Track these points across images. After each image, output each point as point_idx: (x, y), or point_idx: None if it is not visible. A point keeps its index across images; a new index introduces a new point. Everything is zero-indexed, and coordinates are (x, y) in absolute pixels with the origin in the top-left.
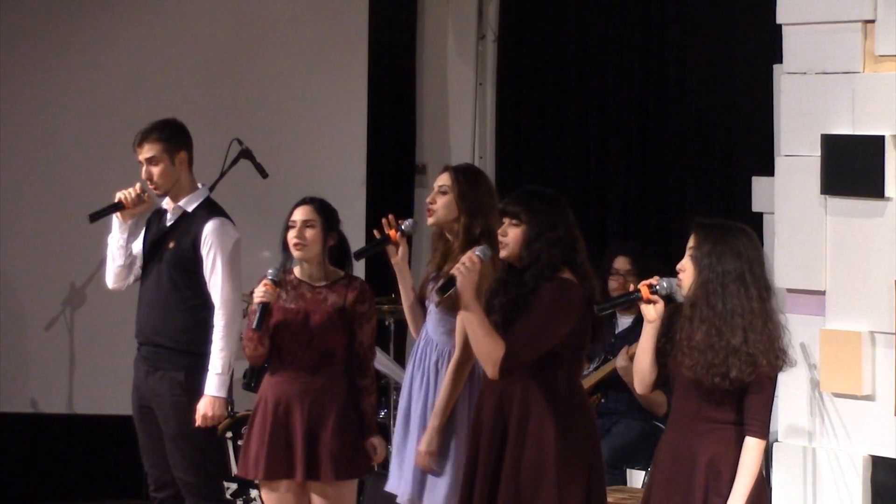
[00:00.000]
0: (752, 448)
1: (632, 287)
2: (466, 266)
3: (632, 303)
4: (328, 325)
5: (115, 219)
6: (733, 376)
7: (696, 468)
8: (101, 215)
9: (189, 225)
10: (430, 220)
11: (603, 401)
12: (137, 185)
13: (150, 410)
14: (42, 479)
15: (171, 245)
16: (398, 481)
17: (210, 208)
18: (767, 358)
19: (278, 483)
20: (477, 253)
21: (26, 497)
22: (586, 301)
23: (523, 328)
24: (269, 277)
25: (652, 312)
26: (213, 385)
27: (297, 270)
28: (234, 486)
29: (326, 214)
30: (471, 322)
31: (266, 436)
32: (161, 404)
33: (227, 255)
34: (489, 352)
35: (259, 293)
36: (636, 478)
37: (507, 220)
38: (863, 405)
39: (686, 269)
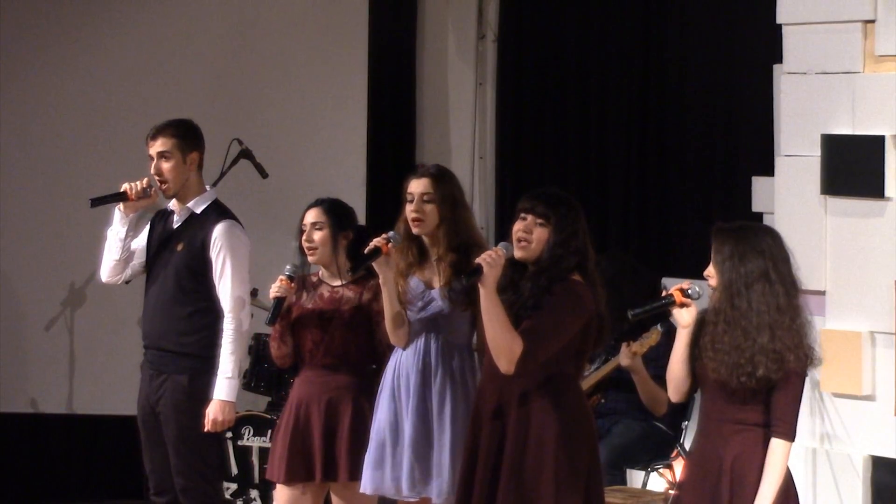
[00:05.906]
0: (777, 450)
1: (664, 292)
2: (493, 257)
3: (665, 307)
4: (344, 325)
5: (117, 211)
6: (760, 375)
7: (723, 471)
8: (103, 202)
9: (198, 227)
10: (417, 230)
11: (603, 401)
12: (145, 179)
13: (155, 415)
14: (42, 479)
15: (180, 247)
16: (426, 487)
17: (219, 210)
18: (796, 354)
19: (297, 485)
20: (500, 247)
21: (26, 497)
22: (594, 305)
23: (538, 327)
24: (286, 273)
25: (686, 317)
26: (223, 389)
27: (320, 271)
28: (233, 486)
29: (336, 214)
30: (490, 314)
31: (287, 438)
32: (164, 407)
33: (236, 258)
34: (507, 347)
35: (274, 288)
36: (636, 478)
37: (530, 218)
38: (863, 405)
39: (712, 275)
